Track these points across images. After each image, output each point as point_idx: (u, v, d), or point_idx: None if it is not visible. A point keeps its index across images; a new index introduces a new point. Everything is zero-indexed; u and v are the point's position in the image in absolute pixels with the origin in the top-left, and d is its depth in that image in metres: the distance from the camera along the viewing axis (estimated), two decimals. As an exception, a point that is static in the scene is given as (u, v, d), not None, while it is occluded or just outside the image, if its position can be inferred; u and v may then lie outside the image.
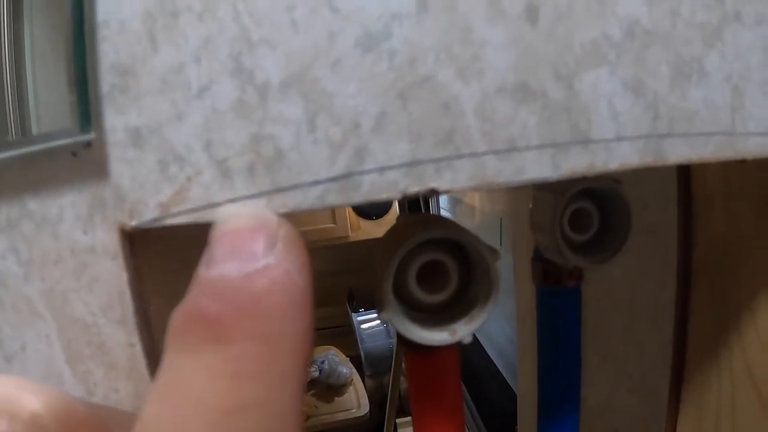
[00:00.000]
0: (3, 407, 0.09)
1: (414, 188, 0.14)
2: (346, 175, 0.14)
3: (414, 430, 0.20)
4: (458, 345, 0.19)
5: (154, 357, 0.15)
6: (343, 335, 1.58)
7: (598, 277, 0.37)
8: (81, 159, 0.13)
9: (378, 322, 1.39)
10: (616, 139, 0.15)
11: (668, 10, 0.16)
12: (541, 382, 0.26)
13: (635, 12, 0.16)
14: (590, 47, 0.15)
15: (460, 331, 0.17)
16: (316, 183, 0.14)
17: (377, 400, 1.36)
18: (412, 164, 0.14)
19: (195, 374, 0.09)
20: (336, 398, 1.35)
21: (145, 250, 0.15)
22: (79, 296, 0.14)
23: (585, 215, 0.22)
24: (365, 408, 1.30)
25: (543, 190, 0.22)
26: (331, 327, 1.66)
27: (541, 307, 0.25)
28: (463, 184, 0.14)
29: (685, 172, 0.26)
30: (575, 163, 0.15)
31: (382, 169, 0.14)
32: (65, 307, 0.14)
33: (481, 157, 0.14)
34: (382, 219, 1.41)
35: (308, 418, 1.28)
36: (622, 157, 0.15)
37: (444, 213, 1.35)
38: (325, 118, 0.14)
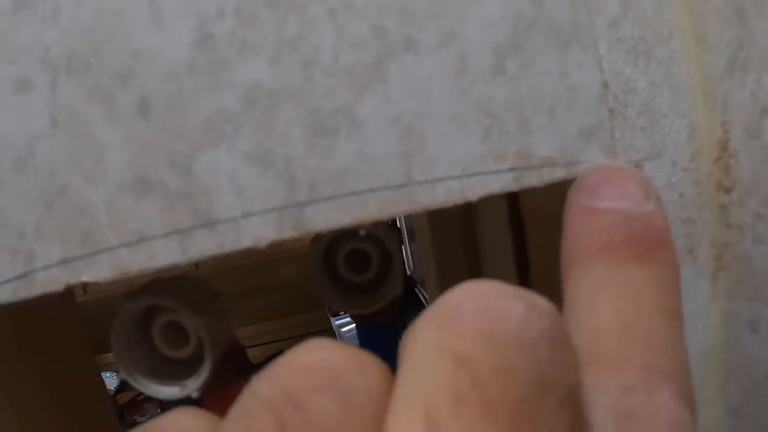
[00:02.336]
0: (521, 296, 0.09)
1: (71, 281, 0.16)
2: (24, 274, 0.17)
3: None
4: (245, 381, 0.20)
5: None
6: None
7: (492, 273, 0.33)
8: None
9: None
10: (243, 216, 0.15)
11: (299, 62, 0.15)
12: None
13: (255, 75, 0.15)
14: (204, 126, 0.15)
15: (189, 386, 0.19)
16: (7, 281, 0.17)
17: None
18: (65, 261, 0.16)
19: (636, 282, 0.11)
20: None
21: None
22: None
23: (364, 255, 0.21)
24: None
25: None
26: (313, 332, 1.62)
27: (362, 342, 0.24)
28: (106, 275, 0.16)
29: (511, 199, 0.22)
30: (202, 246, 0.15)
31: (46, 267, 0.17)
32: None
33: (117, 250, 0.16)
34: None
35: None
36: (253, 233, 0.15)
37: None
38: (2, 230, 0.17)
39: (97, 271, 0.16)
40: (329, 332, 1.55)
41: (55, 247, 0.16)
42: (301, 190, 0.15)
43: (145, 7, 0.15)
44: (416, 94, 0.15)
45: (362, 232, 0.18)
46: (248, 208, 0.15)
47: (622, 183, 0.13)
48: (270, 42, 0.15)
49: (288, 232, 0.15)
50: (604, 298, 0.11)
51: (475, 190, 0.16)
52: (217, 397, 0.21)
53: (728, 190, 0.16)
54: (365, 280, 0.22)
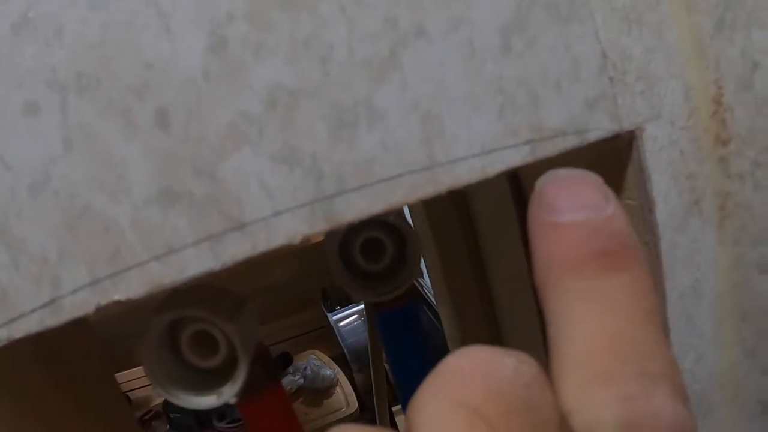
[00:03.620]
0: (508, 352, 0.11)
1: (102, 302, 0.16)
2: (52, 301, 0.17)
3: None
4: (279, 384, 0.20)
5: None
6: (323, 337, 1.55)
7: (496, 254, 0.34)
8: None
9: (356, 316, 1.36)
10: (274, 215, 0.15)
11: (316, 59, 0.15)
12: (401, 394, 0.26)
13: (274, 76, 0.15)
14: (227, 132, 0.15)
15: (225, 393, 0.19)
16: (33, 311, 0.17)
17: (369, 393, 1.35)
18: (93, 283, 0.16)
19: (616, 291, 0.12)
20: (325, 401, 1.36)
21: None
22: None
23: (379, 245, 0.21)
24: (354, 405, 1.30)
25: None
26: (309, 331, 1.64)
27: (380, 329, 0.25)
28: (137, 291, 0.16)
29: (513, 179, 0.23)
30: (235, 250, 0.15)
31: (74, 291, 0.16)
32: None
33: (146, 265, 0.16)
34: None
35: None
36: (285, 230, 0.15)
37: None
38: (24, 258, 0.17)
39: (128, 289, 0.16)
40: (327, 328, 1.53)
41: (82, 269, 0.16)
42: (329, 183, 0.15)
43: (153, 18, 0.15)
44: (431, 80, 0.15)
45: (390, 218, 0.18)
46: (278, 206, 0.15)
47: (579, 192, 0.13)
48: (284, 42, 0.15)
49: (320, 226, 0.15)
50: (585, 313, 0.12)
51: (495, 165, 0.16)
52: (252, 401, 0.21)
53: (726, 143, 0.17)
54: (382, 268, 0.22)
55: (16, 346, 0.18)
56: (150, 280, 0.16)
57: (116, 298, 0.16)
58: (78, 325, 0.25)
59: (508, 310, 0.38)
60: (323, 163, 0.15)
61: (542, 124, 0.16)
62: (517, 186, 0.23)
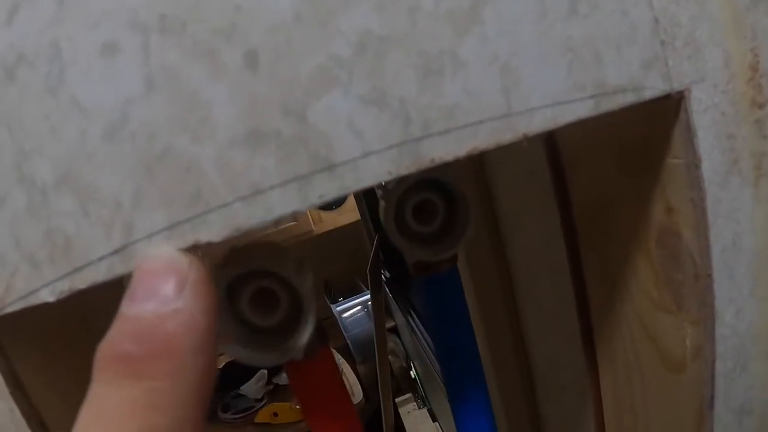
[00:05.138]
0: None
1: (180, 246, 0.16)
2: (123, 247, 0.16)
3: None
4: (327, 348, 0.20)
5: (32, 416, 0.18)
6: (326, 328, 1.56)
7: (517, 236, 0.35)
8: None
9: (359, 308, 1.38)
10: (362, 156, 0.16)
11: (405, 9, 0.16)
12: (443, 372, 0.26)
13: (364, 23, 0.16)
14: (317, 74, 0.16)
15: (291, 349, 0.18)
16: (101, 258, 0.16)
17: (373, 384, 1.35)
18: (171, 227, 0.16)
19: (117, 404, 0.12)
20: None
21: (5, 331, 0.18)
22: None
23: (431, 207, 0.22)
24: (359, 395, 1.31)
25: (379, 189, 0.23)
26: None
27: (424, 295, 0.25)
28: (220, 233, 0.16)
29: (549, 140, 0.24)
30: (323, 190, 0.16)
31: (149, 236, 0.16)
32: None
33: (230, 206, 0.16)
34: (341, 207, 1.40)
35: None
36: (374, 170, 0.16)
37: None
38: (94, 204, 0.16)
39: (209, 232, 0.16)
40: (330, 320, 1.51)
41: (159, 212, 0.16)
42: (416, 126, 0.16)
43: (246, -38, 0.15)
44: (509, 35, 0.16)
45: (442, 177, 0.19)
46: (368, 147, 0.16)
47: (154, 281, 0.13)
48: (374, -10, 0.16)
49: (406, 167, 0.16)
50: (89, 416, 0.12)
51: (564, 116, 0.17)
52: (304, 364, 0.20)
53: (761, 106, 0.19)
54: (434, 230, 0.22)
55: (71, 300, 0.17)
56: (233, 222, 0.16)
57: (196, 241, 0.16)
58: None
59: (525, 285, 0.38)
60: (411, 108, 0.16)
61: (605, 81, 0.17)
62: (554, 151, 0.24)
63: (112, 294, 0.16)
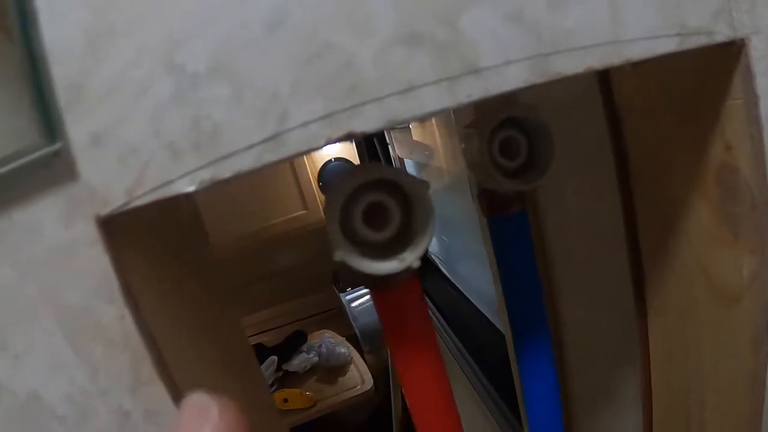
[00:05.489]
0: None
1: (334, 135, 0.17)
2: (275, 135, 0.17)
3: (394, 364, 0.22)
4: (416, 278, 0.21)
5: (141, 324, 0.18)
6: (335, 318, 1.58)
7: (553, 202, 0.38)
8: (52, 167, 0.16)
9: (367, 297, 1.40)
10: (504, 64, 0.17)
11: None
12: (508, 309, 0.28)
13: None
14: (468, -12, 0.17)
15: (408, 258, 0.19)
16: (250, 147, 0.17)
17: (381, 373, 1.36)
18: (326, 116, 0.17)
19: None
20: (339, 379, 1.38)
21: (122, 234, 0.18)
22: (71, 285, 0.17)
23: (513, 143, 0.24)
24: (369, 383, 1.32)
25: (468, 128, 0.24)
26: (321, 312, 1.66)
27: (494, 237, 0.27)
28: (375, 124, 0.17)
29: (606, 90, 0.27)
30: (470, 90, 0.17)
31: (305, 124, 0.17)
32: (61, 297, 0.17)
33: (385, 100, 0.17)
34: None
35: (315, 404, 1.33)
36: (513, 77, 0.17)
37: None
38: (249, 92, 0.16)
39: (364, 122, 0.17)
40: (339, 310, 1.49)
41: (317, 102, 0.17)
42: (545, 43, 0.18)
43: None
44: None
45: (522, 113, 0.20)
46: (509, 56, 0.17)
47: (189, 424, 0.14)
48: None
49: (538, 78, 0.18)
50: None
51: (656, 49, 0.20)
52: (393, 291, 0.21)
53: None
54: (517, 165, 0.24)
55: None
56: (388, 114, 0.17)
57: (349, 129, 0.17)
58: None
59: (561, 260, 0.40)
60: (543, 27, 0.18)
61: (686, 23, 0.20)
62: (610, 101, 0.27)
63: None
